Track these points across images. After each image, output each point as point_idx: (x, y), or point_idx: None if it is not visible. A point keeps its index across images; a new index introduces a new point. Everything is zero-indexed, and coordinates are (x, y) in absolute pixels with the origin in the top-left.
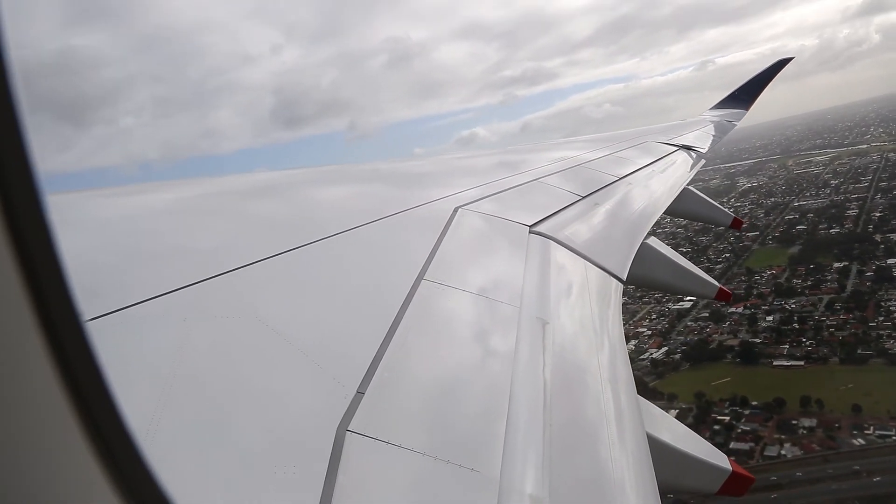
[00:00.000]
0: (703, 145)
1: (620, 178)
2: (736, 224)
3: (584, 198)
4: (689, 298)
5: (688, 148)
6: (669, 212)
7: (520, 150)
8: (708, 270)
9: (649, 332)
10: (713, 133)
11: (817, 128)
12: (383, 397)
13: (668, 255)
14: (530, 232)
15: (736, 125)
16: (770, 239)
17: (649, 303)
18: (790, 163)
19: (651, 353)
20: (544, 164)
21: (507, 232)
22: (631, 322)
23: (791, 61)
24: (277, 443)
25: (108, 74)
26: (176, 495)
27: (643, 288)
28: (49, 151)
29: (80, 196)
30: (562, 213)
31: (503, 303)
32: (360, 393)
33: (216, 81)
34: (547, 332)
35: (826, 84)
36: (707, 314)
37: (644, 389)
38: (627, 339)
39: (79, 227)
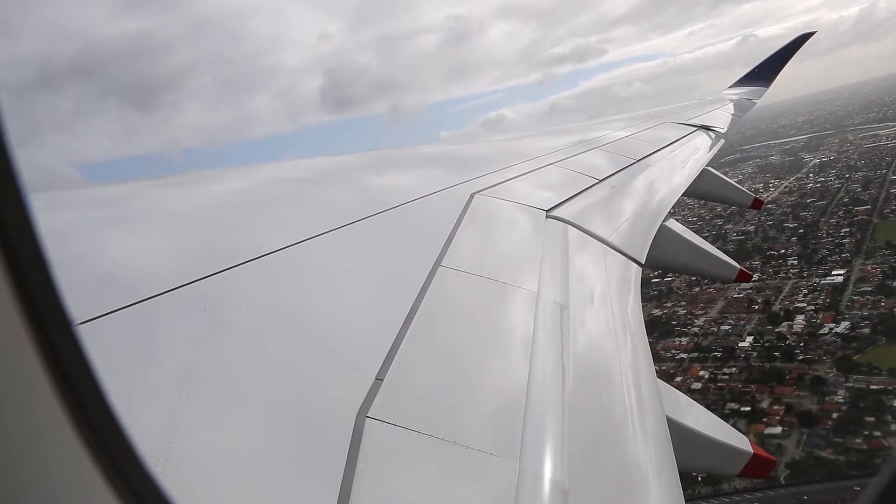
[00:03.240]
0: (723, 125)
1: (638, 161)
2: (756, 204)
3: (601, 181)
4: (836, 273)
5: (707, 128)
6: (689, 193)
7: (535, 134)
8: (838, 246)
9: (812, 308)
10: (732, 112)
11: (861, 101)
12: (402, 384)
13: (688, 237)
14: (547, 216)
15: (756, 103)
16: (888, 212)
17: (788, 277)
18: (850, 137)
19: (831, 328)
20: (561, 148)
21: (524, 217)
22: (786, 298)
23: (813, 36)
24: (298, 429)
25: (161, 61)
26: (200, 481)
27: (663, 271)
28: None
29: (101, 190)
30: (579, 196)
31: (521, 288)
32: (379, 380)
33: (260, 66)
34: (565, 317)
35: (856, 57)
36: (870, 288)
37: (850, 363)
38: (790, 315)
39: (100, 221)
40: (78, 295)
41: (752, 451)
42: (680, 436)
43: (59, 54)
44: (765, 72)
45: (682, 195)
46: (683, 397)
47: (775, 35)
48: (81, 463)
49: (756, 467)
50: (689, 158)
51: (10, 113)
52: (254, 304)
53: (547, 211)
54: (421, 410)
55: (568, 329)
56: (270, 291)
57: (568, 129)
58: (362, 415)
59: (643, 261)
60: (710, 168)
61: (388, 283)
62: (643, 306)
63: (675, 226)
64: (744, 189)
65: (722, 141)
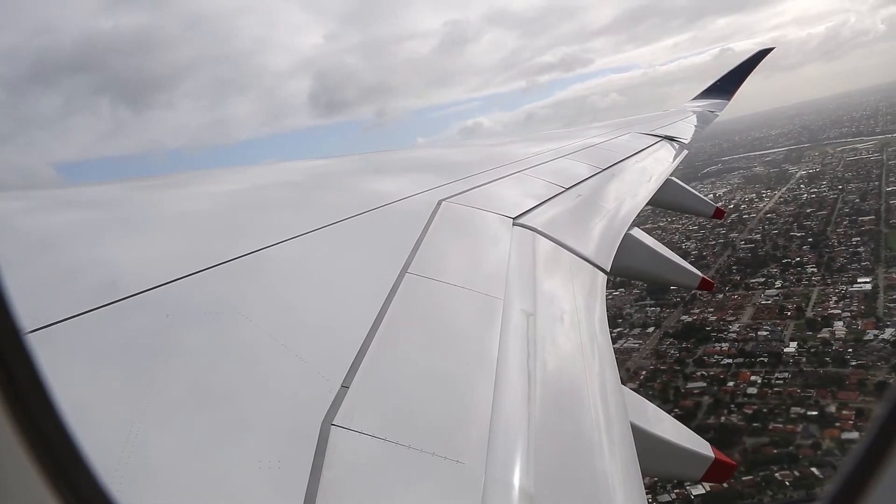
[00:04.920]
0: (686, 136)
1: (604, 170)
2: (718, 214)
3: (567, 189)
4: (862, 280)
5: (671, 139)
6: (653, 202)
7: (503, 142)
8: (854, 254)
9: (848, 314)
10: (696, 123)
11: (830, 116)
12: (368, 391)
13: (652, 245)
14: (514, 224)
15: (718, 115)
16: (894, 222)
17: (812, 284)
18: (829, 150)
19: (876, 335)
20: (528, 157)
21: (491, 224)
22: (817, 305)
23: (772, 51)
24: (262, 438)
25: (150, 59)
26: (160, 491)
27: (627, 278)
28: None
29: (65, 192)
30: (545, 204)
31: (487, 295)
32: (345, 387)
33: (249, 69)
34: (531, 324)
35: (820, 74)
36: None
37: None
38: (829, 322)
39: (59, 224)
40: (32, 300)
41: (713, 456)
42: (644, 442)
43: (31, 49)
44: (726, 85)
45: (647, 204)
46: (648, 404)
47: (749, 50)
48: (26, 473)
49: (718, 472)
50: (653, 168)
51: None
52: (216, 310)
53: (514, 218)
54: (387, 418)
55: (534, 336)
56: (234, 297)
57: (535, 138)
58: (328, 422)
59: (608, 268)
60: (673, 178)
61: (355, 290)
62: (668, 313)
63: (639, 234)
64: (706, 199)
65: (685, 151)
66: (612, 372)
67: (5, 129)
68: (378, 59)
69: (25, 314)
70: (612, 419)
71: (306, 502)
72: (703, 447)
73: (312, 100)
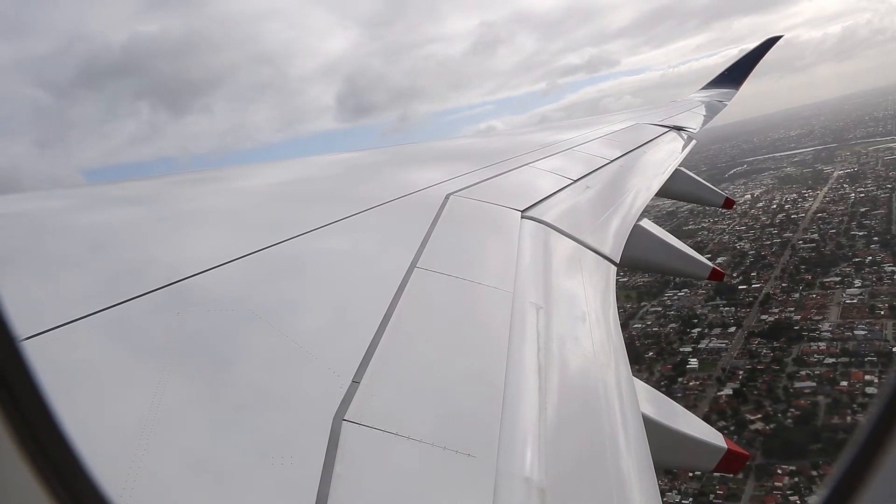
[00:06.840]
0: (695, 126)
1: (612, 161)
2: (728, 204)
3: (576, 181)
4: None
5: (679, 128)
6: (662, 193)
7: (510, 134)
8: None
9: None
10: (704, 113)
11: (850, 116)
12: (379, 386)
13: (662, 236)
14: (522, 217)
15: (726, 104)
16: None
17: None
18: (860, 150)
19: None
20: (534, 149)
21: (499, 217)
22: None
23: (780, 39)
24: (274, 434)
25: (176, 65)
26: (175, 488)
27: (638, 269)
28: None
29: (76, 192)
30: (554, 197)
31: (496, 289)
32: (356, 382)
33: (282, 73)
34: (541, 317)
35: (832, 74)
36: None
37: None
38: None
39: (60, 226)
40: (41, 303)
41: (726, 446)
42: (656, 433)
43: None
44: (735, 74)
45: (656, 195)
46: (660, 396)
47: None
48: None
49: (730, 462)
50: (662, 159)
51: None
52: (227, 307)
53: (522, 211)
54: (398, 413)
55: (544, 329)
56: (244, 294)
57: (543, 130)
58: (339, 418)
59: (618, 260)
60: (682, 168)
61: (365, 285)
62: (745, 312)
63: (648, 225)
64: (716, 189)
65: (694, 141)
66: (623, 364)
67: (43, 137)
68: (399, 64)
69: (60, 308)
70: (625, 411)
71: (319, 497)
72: (715, 438)
73: (340, 103)
